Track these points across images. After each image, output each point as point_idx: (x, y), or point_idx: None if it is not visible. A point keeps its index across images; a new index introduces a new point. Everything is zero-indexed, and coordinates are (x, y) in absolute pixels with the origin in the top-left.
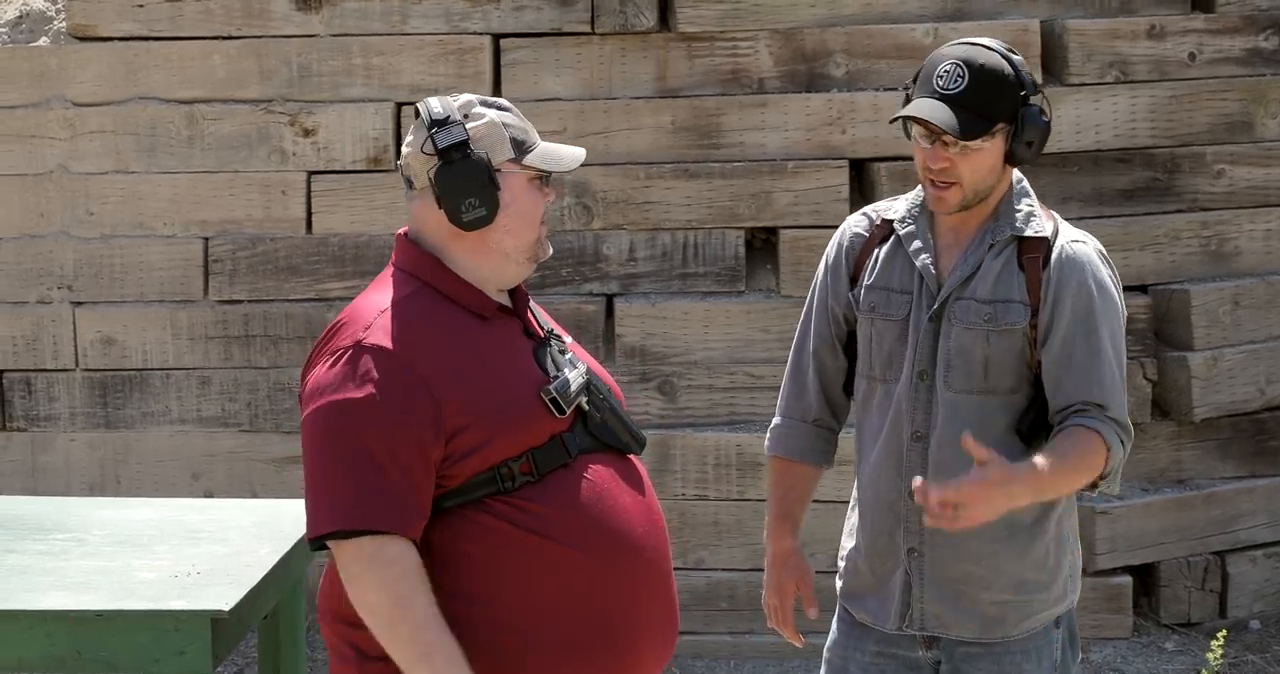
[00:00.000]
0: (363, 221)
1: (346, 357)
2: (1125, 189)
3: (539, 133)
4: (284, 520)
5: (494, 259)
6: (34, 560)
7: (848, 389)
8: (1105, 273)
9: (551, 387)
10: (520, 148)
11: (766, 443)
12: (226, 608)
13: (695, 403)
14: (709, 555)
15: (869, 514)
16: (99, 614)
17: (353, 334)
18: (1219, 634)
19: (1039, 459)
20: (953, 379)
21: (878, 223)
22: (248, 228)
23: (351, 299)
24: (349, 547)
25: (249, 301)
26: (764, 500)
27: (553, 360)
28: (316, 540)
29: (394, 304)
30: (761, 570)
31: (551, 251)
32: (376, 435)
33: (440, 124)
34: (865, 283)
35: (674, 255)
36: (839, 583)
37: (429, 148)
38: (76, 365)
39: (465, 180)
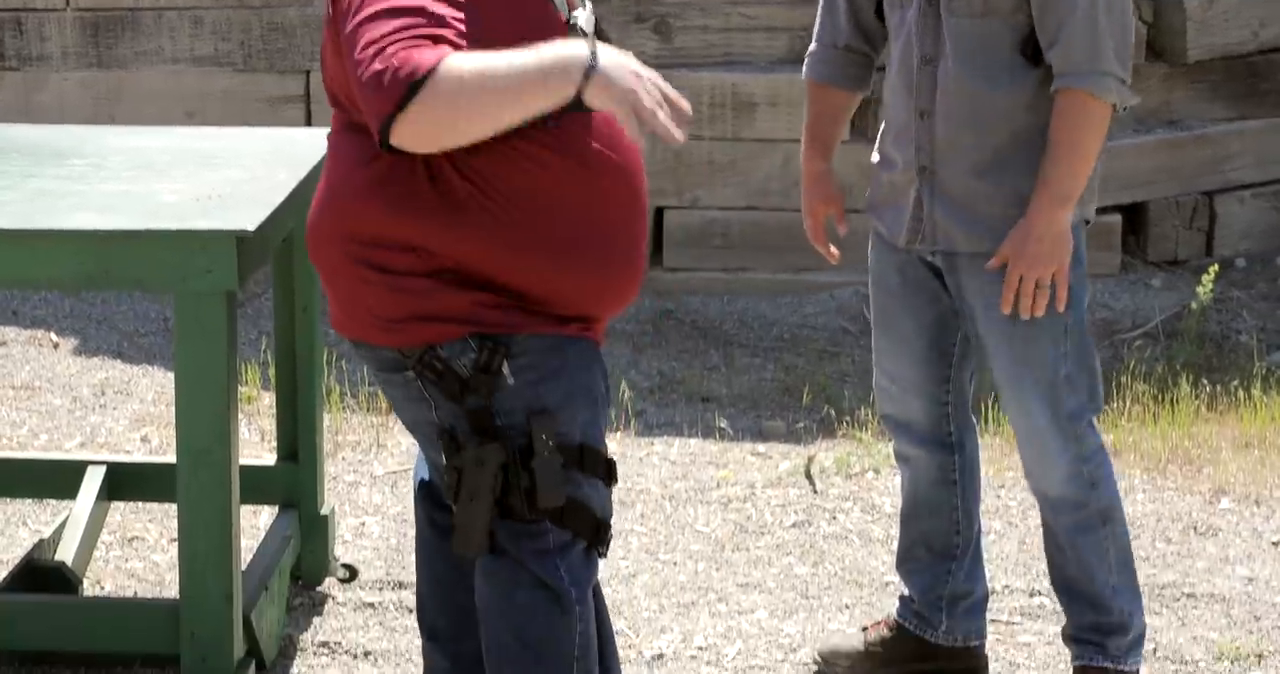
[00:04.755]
0: None
1: None
2: None
3: None
4: (298, 146)
5: None
6: (55, 184)
7: (880, 14)
8: None
9: (578, 24)
10: None
11: (803, 69)
12: (252, 227)
13: (691, 43)
14: (704, 194)
15: (889, 134)
16: (127, 234)
17: None
18: (1209, 270)
19: (1041, 177)
20: (955, 4)
21: None
22: None
23: None
24: (421, 98)
25: None
26: (760, 140)
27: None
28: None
29: None
30: (756, 209)
31: None
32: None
33: None
34: None
35: None
36: (867, 194)
37: None
38: (67, 5)
39: None
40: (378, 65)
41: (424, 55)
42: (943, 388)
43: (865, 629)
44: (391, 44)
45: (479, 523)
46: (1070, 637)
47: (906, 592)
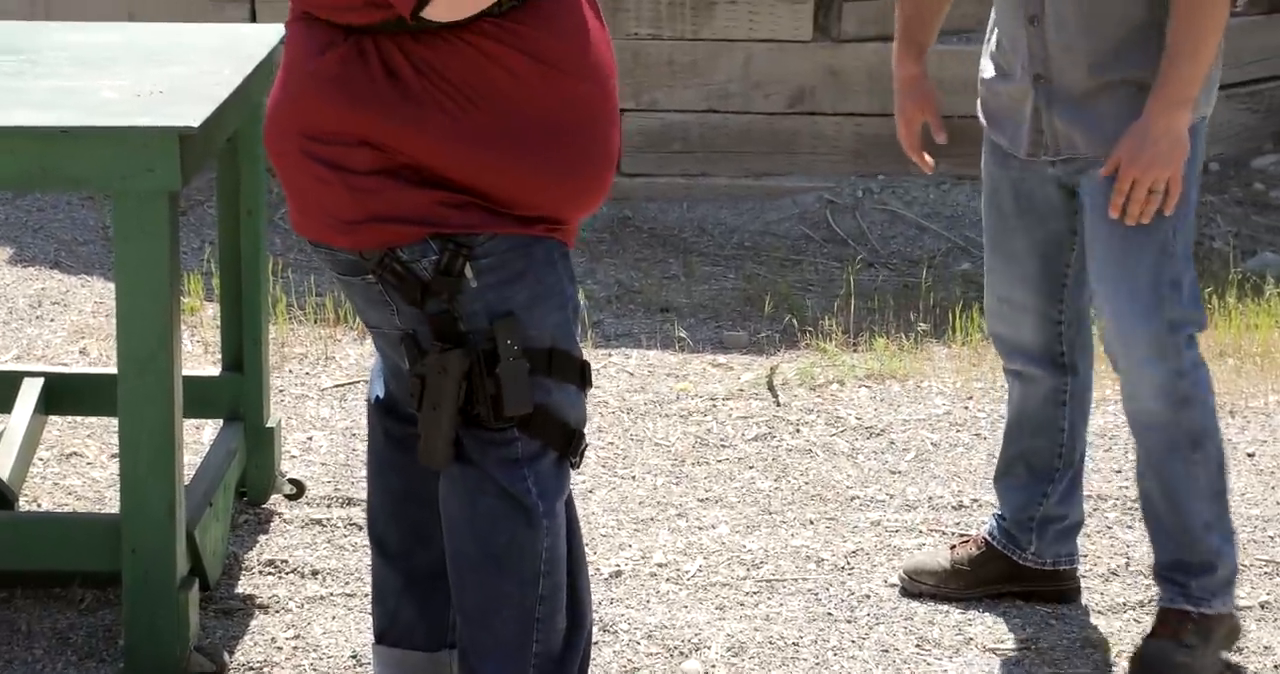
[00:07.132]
0: None
1: None
2: None
3: None
4: (246, 43)
5: None
6: None
7: None
8: None
9: None
10: None
11: None
12: (195, 124)
13: None
14: (663, 97)
15: (1001, 43)
16: (65, 131)
17: None
18: None
19: (1159, 79)
20: None
21: None
22: None
23: None
24: None
25: None
26: (720, 40)
27: None
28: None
29: None
30: (716, 112)
31: None
32: None
33: None
34: None
35: None
36: (979, 105)
37: None
38: None
39: None
40: None
41: None
42: (1056, 308)
43: (953, 547)
44: None
45: (443, 432)
46: (1157, 575)
47: (1000, 509)
